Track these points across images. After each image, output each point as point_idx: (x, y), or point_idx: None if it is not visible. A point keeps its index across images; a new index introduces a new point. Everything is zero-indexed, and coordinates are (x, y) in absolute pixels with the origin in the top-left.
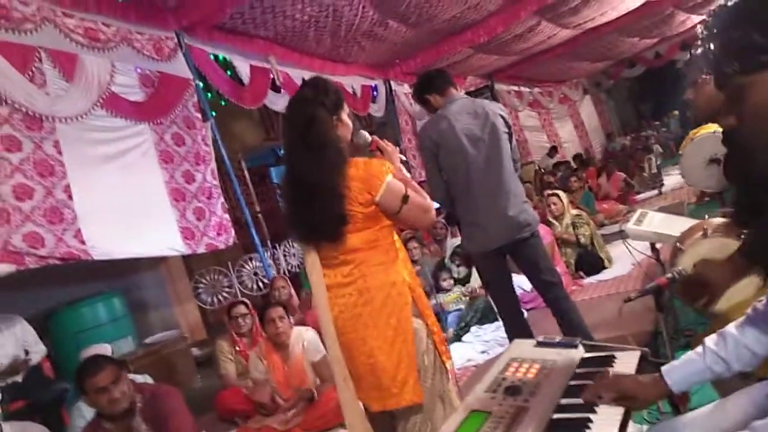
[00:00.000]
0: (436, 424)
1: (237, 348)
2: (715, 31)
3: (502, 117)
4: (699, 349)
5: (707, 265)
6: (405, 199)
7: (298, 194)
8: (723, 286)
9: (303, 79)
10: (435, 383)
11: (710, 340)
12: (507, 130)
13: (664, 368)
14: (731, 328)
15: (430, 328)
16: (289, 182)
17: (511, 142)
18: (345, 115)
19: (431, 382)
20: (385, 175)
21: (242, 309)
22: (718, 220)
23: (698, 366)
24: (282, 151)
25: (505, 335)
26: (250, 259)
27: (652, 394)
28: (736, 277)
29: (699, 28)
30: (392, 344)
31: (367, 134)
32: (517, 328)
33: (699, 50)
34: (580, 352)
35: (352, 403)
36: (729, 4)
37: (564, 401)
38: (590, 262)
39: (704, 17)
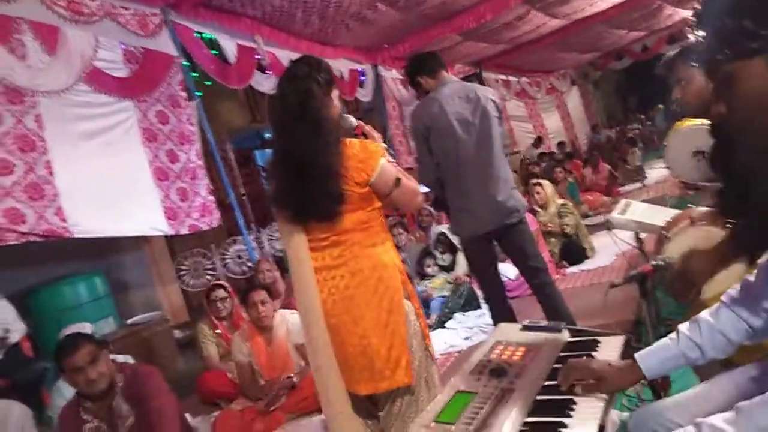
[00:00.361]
0: (422, 406)
1: (217, 331)
2: (706, 17)
3: (493, 101)
4: (673, 335)
5: (693, 256)
6: (397, 182)
7: (291, 172)
8: (709, 277)
9: (290, 61)
10: (421, 365)
11: (684, 327)
12: (498, 115)
13: (638, 354)
14: (705, 314)
15: (417, 311)
16: (280, 160)
17: (501, 127)
18: (335, 96)
19: (418, 364)
20: (380, 157)
21: (221, 292)
22: (704, 209)
23: (672, 351)
24: (270, 132)
25: (488, 322)
26: (234, 241)
27: (626, 379)
28: (721, 265)
29: (691, 15)
30: (386, 326)
31: (352, 118)
32: (503, 314)
33: (690, 37)
34: (564, 336)
35: (339, 388)
36: None
37: (549, 383)
38: (574, 251)
39: (696, 4)
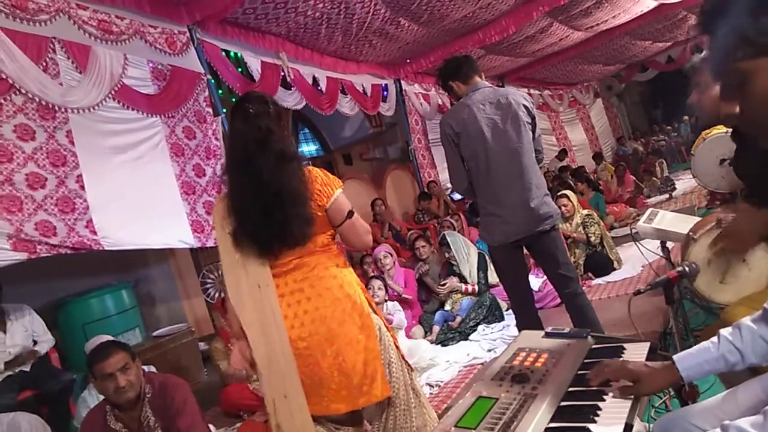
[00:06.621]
0: (416, 414)
1: (229, 347)
2: (717, 17)
3: (525, 107)
4: (714, 338)
5: (741, 214)
6: (350, 214)
7: (259, 205)
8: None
9: (314, 77)
10: (405, 375)
11: (725, 331)
12: (530, 120)
13: (676, 356)
14: (747, 320)
15: (385, 324)
16: (248, 193)
17: (534, 132)
18: (287, 122)
19: (401, 374)
20: (339, 187)
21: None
22: (731, 212)
23: (711, 354)
24: (229, 170)
25: (512, 334)
26: None
27: (662, 380)
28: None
29: (696, 18)
30: (359, 342)
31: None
32: (529, 321)
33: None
34: (588, 343)
35: (306, 414)
36: None
37: (573, 389)
38: (600, 263)
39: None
